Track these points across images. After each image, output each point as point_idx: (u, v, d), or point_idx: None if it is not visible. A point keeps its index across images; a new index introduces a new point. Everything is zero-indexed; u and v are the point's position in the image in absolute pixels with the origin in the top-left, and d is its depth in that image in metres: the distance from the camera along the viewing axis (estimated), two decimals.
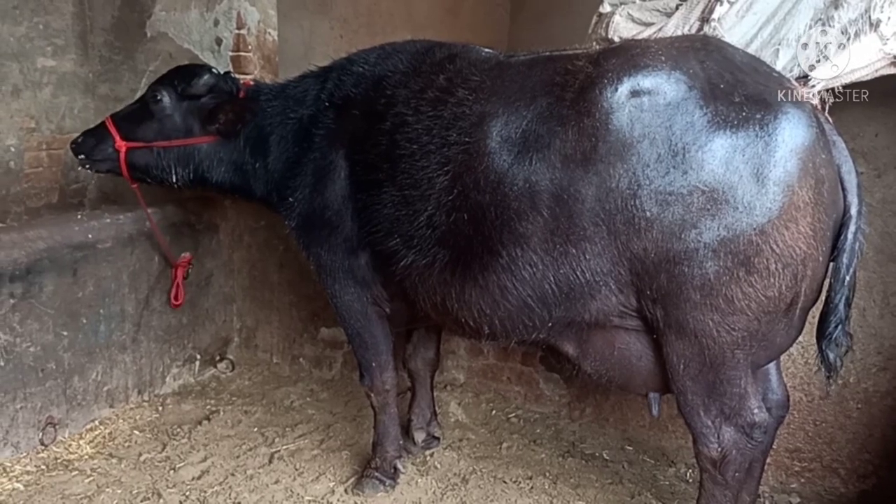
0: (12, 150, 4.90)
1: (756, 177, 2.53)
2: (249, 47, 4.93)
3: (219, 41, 4.91)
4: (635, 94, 2.67)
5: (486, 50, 3.38)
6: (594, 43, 4.12)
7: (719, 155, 2.55)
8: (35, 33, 4.96)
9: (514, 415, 4.55)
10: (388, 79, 3.36)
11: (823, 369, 2.88)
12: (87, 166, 4.10)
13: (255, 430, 4.41)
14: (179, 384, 4.93)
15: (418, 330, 4.02)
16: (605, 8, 4.06)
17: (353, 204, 3.36)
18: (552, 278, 2.84)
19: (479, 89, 3.03)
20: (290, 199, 3.55)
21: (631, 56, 2.78)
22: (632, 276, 2.74)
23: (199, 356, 5.05)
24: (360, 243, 3.39)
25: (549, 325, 3.01)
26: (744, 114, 2.57)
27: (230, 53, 4.89)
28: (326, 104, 3.51)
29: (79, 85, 5.23)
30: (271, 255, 5.12)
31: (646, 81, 2.68)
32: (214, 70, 3.97)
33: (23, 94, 4.93)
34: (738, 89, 2.63)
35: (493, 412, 4.58)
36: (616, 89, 2.70)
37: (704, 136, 2.57)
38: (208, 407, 4.68)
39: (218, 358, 5.16)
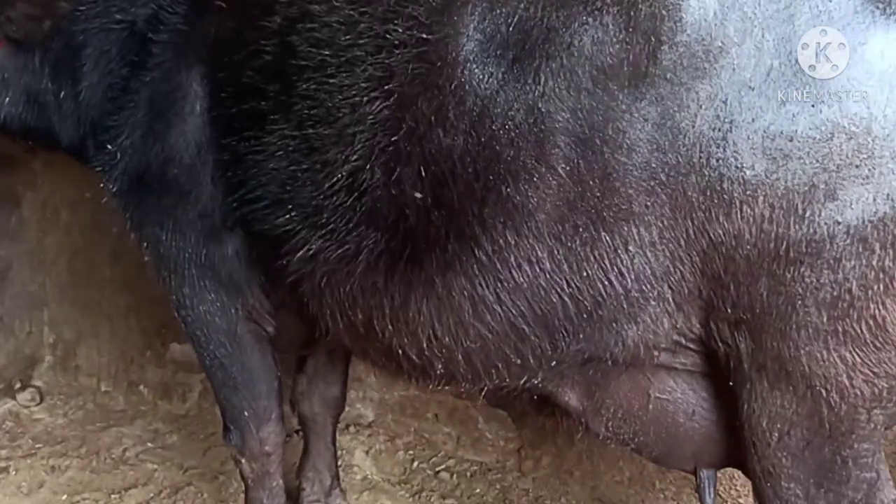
0: None
1: None
2: None
3: None
4: None
5: None
6: None
7: (878, 70, 1.70)
8: None
9: (443, 467, 3.69)
10: None
11: None
12: None
13: (65, 497, 3.41)
14: None
15: (316, 355, 3.11)
16: None
17: (217, 155, 2.44)
18: (565, 286, 1.96)
19: None
20: (111, 147, 2.58)
21: None
22: (703, 282, 1.88)
23: None
24: (228, 221, 2.49)
25: (553, 363, 2.08)
26: None
27: None
28: None
29: None
30: (101, 240, 4.16)
31: None
32: None
33: None
34: None
35: (416, 464, 3.72)
36: None
37: (851, 37, 1.71)
38: None
39: (18, 385, 4.22)
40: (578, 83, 1.83)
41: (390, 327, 2.13)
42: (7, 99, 2.83)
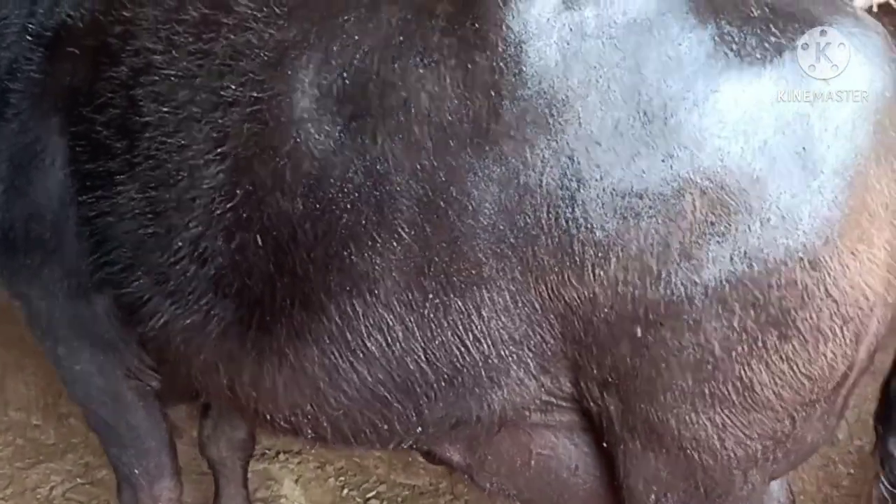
0: None
1: (800, 159, 1.54)
2: None
3: None
4: (571, 4, 1.62)
5: None
6: None
7: (732, 119, 1.56)
8: None
9: (374, 493, 3.48)
10: None
11: (884, 474, 1.99)
12: None
13: None
14: None
15: None
16: None
17: (79, 211, 2.19)
18: (422, 353, 1.81)
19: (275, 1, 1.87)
20: None
21: None
22: (565, 344, 1.74)
23: None
24: (94, 279, 2.21)
25: (419, 428, 1.93)
26: (773, 40, 1.59)
27: None
28: (30, 39, 2.28)
29: None
30: None
31: None
32: None
33: None
34: None
35: (346, 491, 3.49)
36: None
37: (703, 84, 1.57)
38: None
39: None
40: (418, 142, 1.66)
41: (253, 394, 1.96)
42: None
